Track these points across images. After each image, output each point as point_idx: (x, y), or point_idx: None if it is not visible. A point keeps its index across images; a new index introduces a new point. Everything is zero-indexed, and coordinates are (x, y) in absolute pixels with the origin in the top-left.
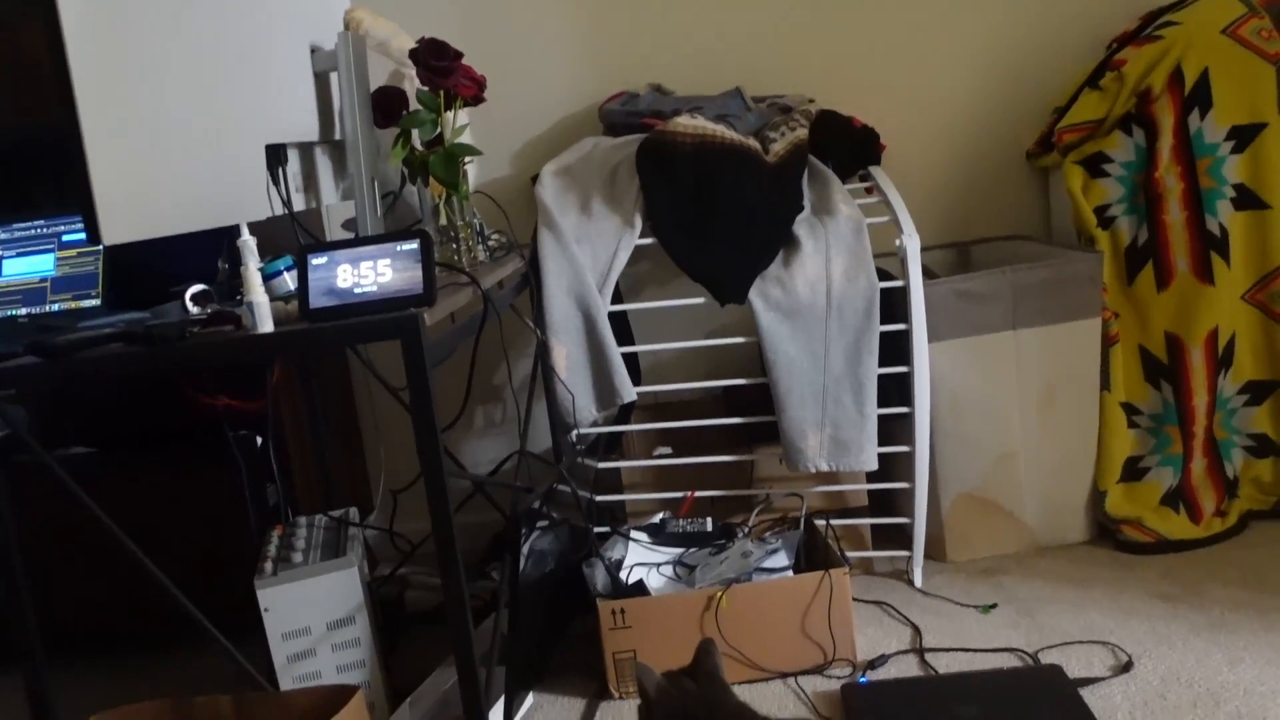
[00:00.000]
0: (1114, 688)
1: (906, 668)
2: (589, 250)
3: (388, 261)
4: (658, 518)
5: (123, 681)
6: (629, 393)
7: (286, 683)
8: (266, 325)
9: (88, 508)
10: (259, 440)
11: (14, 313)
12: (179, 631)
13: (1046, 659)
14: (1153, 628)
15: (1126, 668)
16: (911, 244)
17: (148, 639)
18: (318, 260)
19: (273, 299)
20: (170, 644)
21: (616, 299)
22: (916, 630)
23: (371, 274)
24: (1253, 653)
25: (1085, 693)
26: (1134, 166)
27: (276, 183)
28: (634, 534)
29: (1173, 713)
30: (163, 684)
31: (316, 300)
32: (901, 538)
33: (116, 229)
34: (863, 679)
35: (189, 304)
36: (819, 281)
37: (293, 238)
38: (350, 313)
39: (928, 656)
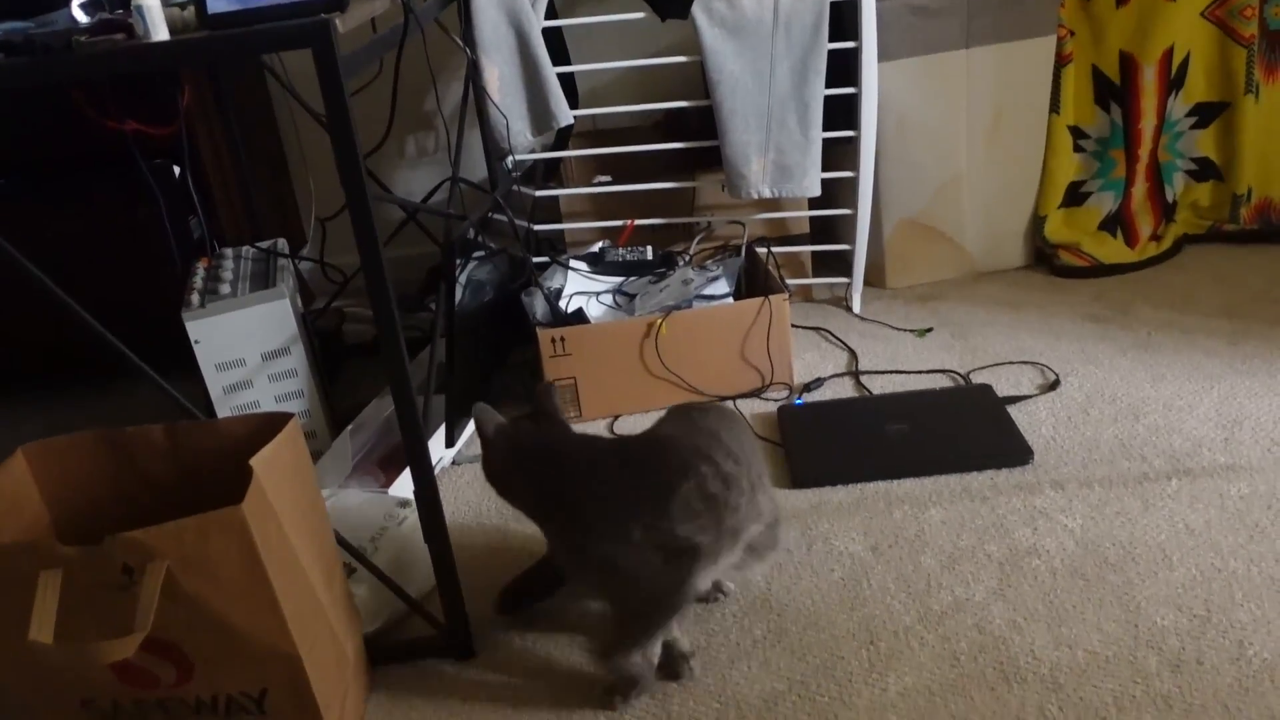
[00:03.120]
0: (1040, 404)
1: (842, 390)
2: None
3: None
4: (597, 246)
5: (54, 418)
6: (565, 116)
7: (224, 413)
8: (160, 33)
9: None
10: (176, 170)
11: None
12: (110, 368)
13: (978, 379)
14: (1081, 348)
15: (1054, 386)
16: None
17: (77, 376)
18: None
19: (168, 5)
20: (102, 381)
21: (551, 15)
22: (853, 354)
23: None
24: (1175, 370)
25: (1013, 410)
26: None
27: None
28: (573, 263)
29: (1094, 426)
30: (96, 419)
31: (215, 4)
32: (842, 265)
33: None
34: (798, 400)
35: (77, 12)
36: None
37: None
38: (253, 19)
39: (863, 379)
